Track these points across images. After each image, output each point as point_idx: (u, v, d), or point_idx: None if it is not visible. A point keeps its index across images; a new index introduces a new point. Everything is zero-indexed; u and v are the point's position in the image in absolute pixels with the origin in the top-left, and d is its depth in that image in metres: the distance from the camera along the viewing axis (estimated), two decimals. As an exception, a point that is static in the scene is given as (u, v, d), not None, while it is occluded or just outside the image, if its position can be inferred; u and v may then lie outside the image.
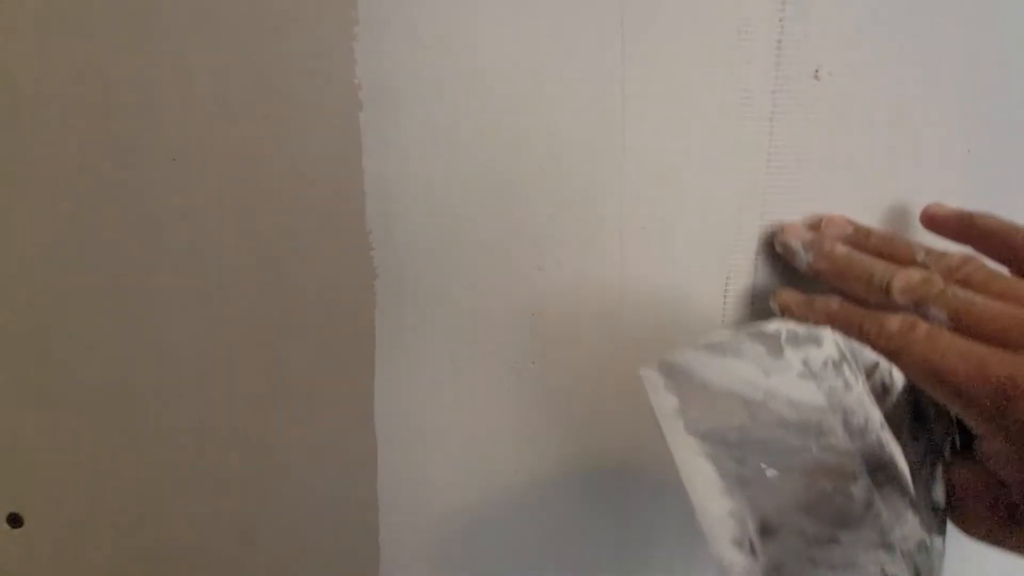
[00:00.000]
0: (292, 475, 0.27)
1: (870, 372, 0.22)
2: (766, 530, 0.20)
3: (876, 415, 0.21)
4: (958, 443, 0.23)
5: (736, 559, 0.20)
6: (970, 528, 0.22)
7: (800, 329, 0.22)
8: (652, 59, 0.25)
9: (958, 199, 0.28)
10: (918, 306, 0.22)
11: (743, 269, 0.28)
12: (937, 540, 0.22)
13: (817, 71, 0.27)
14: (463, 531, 0.28)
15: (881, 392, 0.22)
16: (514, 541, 0.29)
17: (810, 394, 0.21)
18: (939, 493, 0.22)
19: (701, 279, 0.28)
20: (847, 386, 0.21)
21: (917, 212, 0.28)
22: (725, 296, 0.28)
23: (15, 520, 0.26)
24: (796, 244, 0.26)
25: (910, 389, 0.22)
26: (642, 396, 0.21)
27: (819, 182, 0.27)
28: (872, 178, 0.28)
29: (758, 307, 0.28)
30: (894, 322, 0.21)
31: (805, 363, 0.21)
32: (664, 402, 0.21)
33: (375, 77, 0.24)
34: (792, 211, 0.28)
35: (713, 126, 0.26)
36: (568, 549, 0.29)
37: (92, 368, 0.25)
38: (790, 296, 0.26)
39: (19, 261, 0.24)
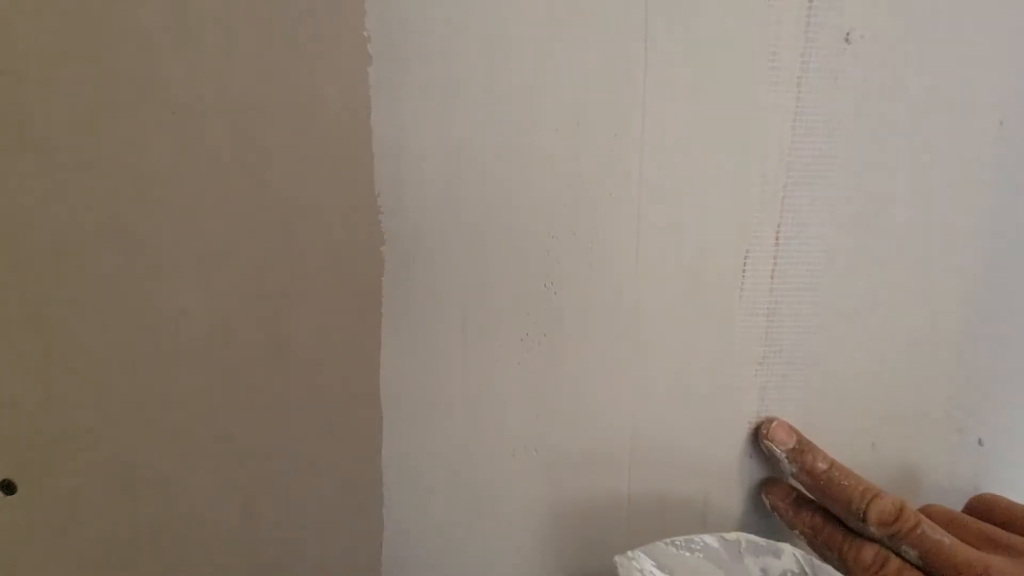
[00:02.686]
0: (295, 445, 0.26)
1: None
2: None
3: None
4: None
5: None
6: None
7: (760, 541, 0.25)
8: (677, 15, 0.24)
9: (988, 172, 0.27)
10: (891, 541, 0.24)
11: (764, 242, 0.27)
12: None
13: (848, 35, 0.25)
14: (469, 502, 0.28)
15: None
16: (522, 511, 0.28)
17: None
18: None
19: (719, 252, 0.27)
20: None
21: (946, 188, 0.27)
22: (744, 270, 0.27)
23: (8, 487, 0.25)
24: (780, 454, 0.27)
25: None
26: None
27: (846, 151, 0.26)
28: (901, 148, 0.27)
29: (778, 283, 0.27)
30: (868, 555, 0.24)
31: (763, 571, 0.24)
32: None
33: (386, 29, 0.23)
34: (817, 183, 0.27)
35: (738, 89, 0.25)
36: (578, 520, 0.29)
37: (89, 332, 0.24)
38: (780, 496, 0.27)
39: (13, 220, 0.23)
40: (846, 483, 0.25)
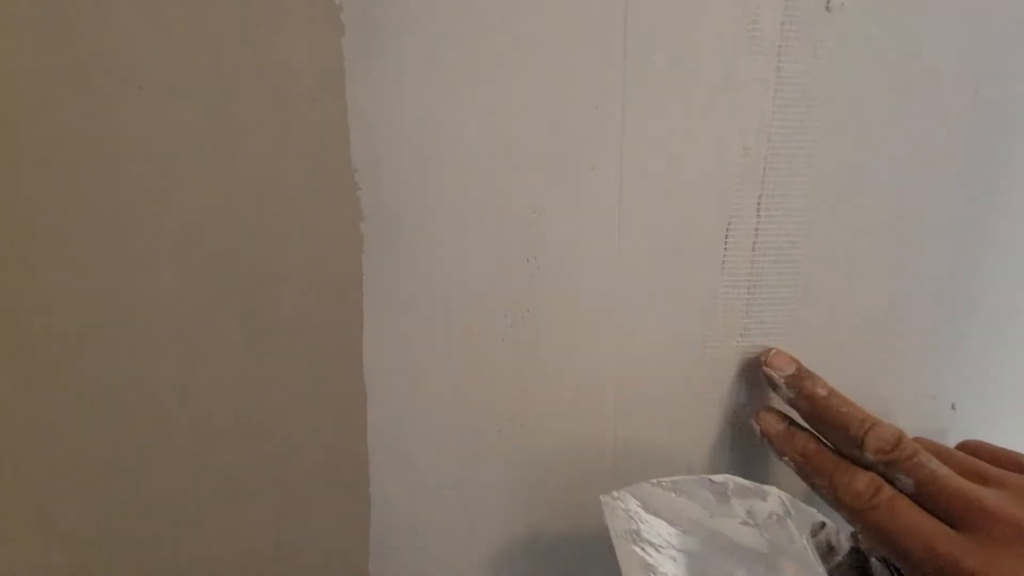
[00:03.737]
0: (278, 427, 0.26)
1: (815, 531, 0.24)
2: None
3: (820, 570, 0.23)
4: None
5: None
6: None
7: (747, 483, 0.24)
8: (657, -15, 0.24)
9: (964, 141, 0.28)
10: (887, 468, 0.24)
11: (746, 214, 0.27)
12: None
13: (829, 3, 0.25)
14: (455, 482, 0.28)
15: (826, 550, 0.24)
16: (508, 486, 0.28)
17: (752, 540, 0.23)
18: None
19: (701, 224, 0.27)
20: (790, 539, 0.23)
21: (923, 157, 0.27)
22: (726, 242, 0.27)
23: (-18, 476, 0.24)
24: (778, 379, 0.27)
25: (856, 551, 0.24)
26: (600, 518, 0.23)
27: (827, 122, 0.26)
28: (880, 117, 0.27)
29: (759, 255, 0.27)
30: (861, 482, 0.24)
31: (749, 513, 0.24)
32: (618, 524, 0.23)
33: (359, -1, 0.22)
34: (798, 155, 0.27)
35: (718, 59, 0.25)
36: (563, 494, 0.29)
37: (62, 318, 0.24)
38: (771, 422, 0.27)
39: (-30, 198, 0.22)
40: (844, 410, 0.25)
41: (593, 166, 0.25)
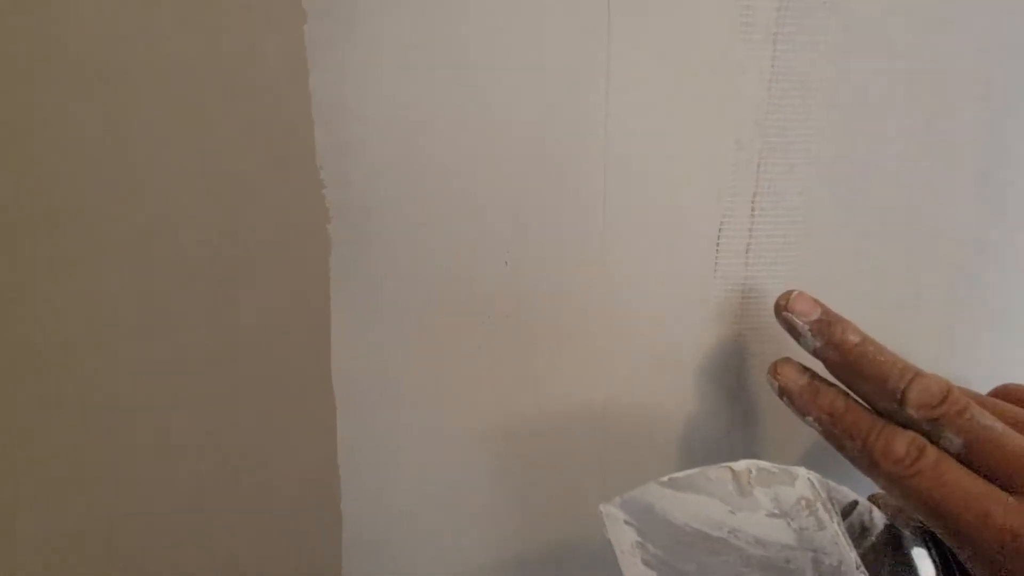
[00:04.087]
0: (244, 439, 0.25)
1: (847, 512, 0.21)
2: None
3: (851, 557, 0.20)
4: None
5: None
6: None
7: (771, 467, 0.21)
8: (643, -33, 0.22)
9: (976, 133, 0.26)
10: (932, 425, 0.20)
11: (739, 212, 0.25)
12: None
13: (829, -14, 0.23)
14: (435, 491, 0.26)
15: (859, 532, 0.21)
16: (490, 505, 0.27)
17: (779, 532, 0.20)
18: None
19: (692, 222, 0.25)
20: (820, 525, 0.20)
21: (933, 151, 0.26)
22: (718, 242, 0.25)
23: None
24: (801, 325, 0.22)
25: (890, 528, 0.22)
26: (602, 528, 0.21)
27: (827, 114, 0.25)
28: (886, 110, 0.25)
29: (754, 257, 0.26)
30: (901, 444, 0.20)
31: (775, 501, 0.21)
32: (623, 536, 0.20)
33: (322, -17, 0.21)
34: (795, 149, 0.25)
35: (708, 45, 0.23)
36: (550, 503, 0.27)
37: (22, 321, 0.22)
38: (792, 376, 0.23)
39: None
40: (882, 359, 0.21)
41: (576, 163, 0.24)
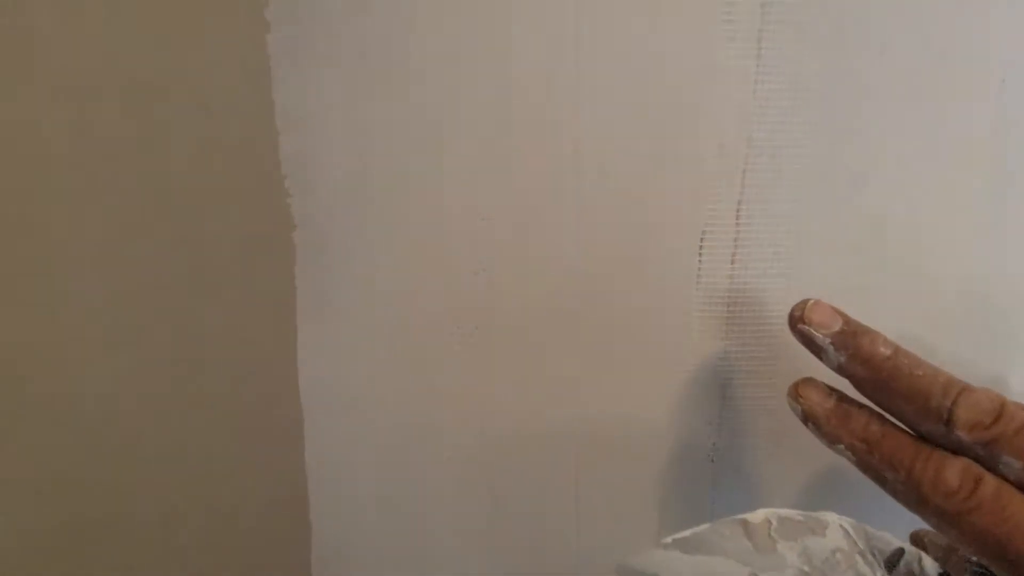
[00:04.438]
0: (213, 447, 0.25)
1: (892, 562, 0.18)
2: None
3: None
4: None
5: None
6: None
7: (795, 515, 0.18)
8: (614, -35, 0.21)
9: (987, 136, 0.24)
10: (987, 449, 0.17)
11: (723, 222, 0.24)
12: None
13: (818, -21, 0.22)
14: (403, 503, 0.26)
15: None
16: (456, 512, 0.26)
17: None
18: None
19: (672, 231, 0.24)
20: None
21: (939, 154, 0.24)
22: (700, 252, 0.24)
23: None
24: (823, 340, 0.20)
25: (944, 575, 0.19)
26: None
27: (818, 116, 0.23)
28: (885, 110, 0.23)
29: (740, 268, 0.24)
30: (953, 474, 0.17)
31: (804, 556, 0.18)
32: None
33: (284, -9, 0.21)
34: (784, 154, 0.23)
35: (688, 46, 0.22)
36: (522, 518, 0.27)
37: (8, 326, 0.23)
38: (816, 398, 0.20)
39: None
40: (920, 373, 0.18)
41: (547, 167, 0.23)
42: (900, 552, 0.19)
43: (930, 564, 0.19)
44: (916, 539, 0.20)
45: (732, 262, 0.24)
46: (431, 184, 0.23)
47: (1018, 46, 0.23)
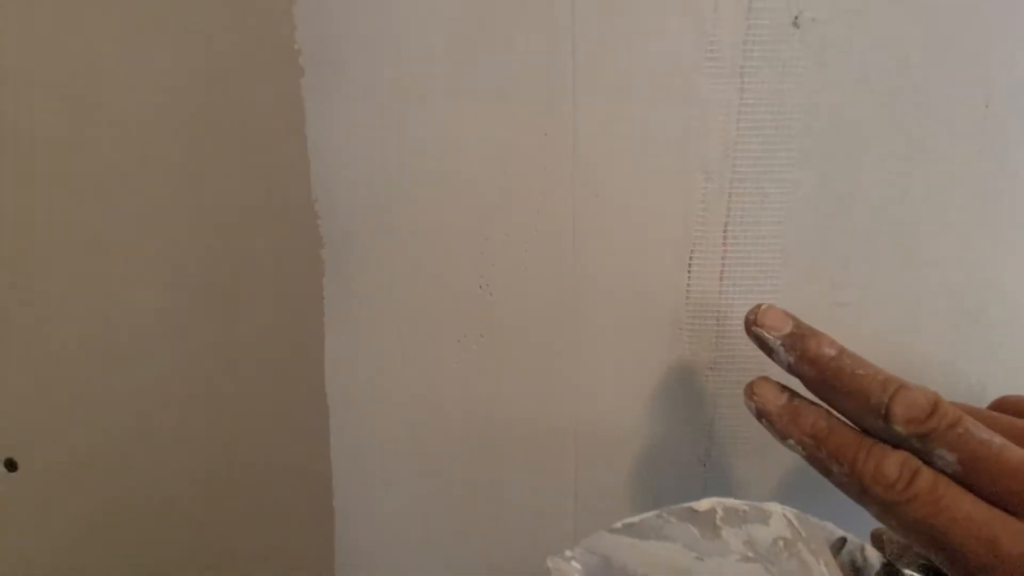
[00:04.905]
0: (248, 438, 0.28)
1: (836, 550, 0.19)
2: None
3: None
4: None
5: None
6: None
7: (740, 504, 0.19)
8: (606, 6, 0.23)
9: (973, 160, 0.25)
10: (922, 442, 0.18)
11: (710, 242, 0.26)
12: None
13: (797, 18, 0.24)
14: (415, 496, 0.29)
15: (851, 573, 0.19)
16: (467, 504, 0.29)
17: None
18: None
19: (661, 253, 0.26)
20: (805, 569, 0.18)
21: (924, 176, 0.25)
22: (689, 272, 0.26)
23: (11, 465, 0.28)
24: (773, 341, 0.21)
25: (888, 567, 0.20)
26: None
27: (801, 143, 0.25)
28: (868, 136, 0.25)
29: (728, 285, 0.26)
30: (892, 466, 0.18)
31: (748, 543, 0.18)
32: None
33: (316, 42, 0.24)
34: (766, 177, 0.25)
35: (673, 82, 0.24)
36: (524, 517, 0.29)
37: (63, 328, 0.27)
38: (769, 396, 0.21)
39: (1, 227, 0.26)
40: (861, 372, 0.19)
41: (544, 193, 0.25)
42: (843, 540, 0.20)
43: (873, 554, 0.20)
44: (876, 538, 0.21)
45: (720, 279, 0.26)
46: (440, 207, 0.26)
47: (1001, 70, 0.24)
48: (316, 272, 0.26)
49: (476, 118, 0.25)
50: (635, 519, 0.19)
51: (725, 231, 0.26)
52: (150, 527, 0.29)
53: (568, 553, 0.19)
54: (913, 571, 0.20)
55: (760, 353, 0.26)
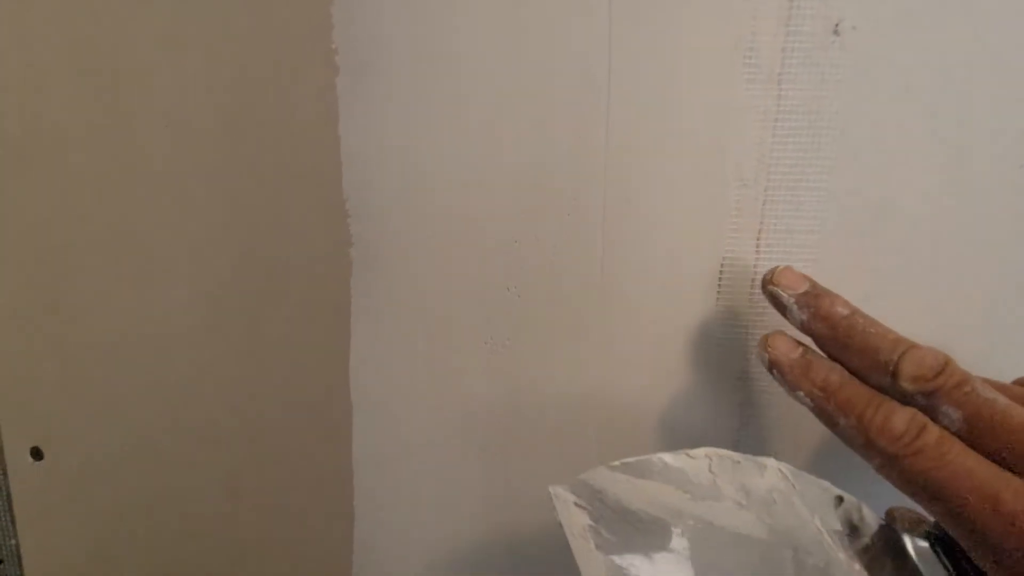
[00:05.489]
0: (273, 434, 0.28)
1: (834, 506, 0.20)
2: None
3: (839, 558, 0.18)
4: None
5: None
6: None
7: (735, 456, 0.19)
8: (643, 11, 0.23)
9: (1014, 175, 0.24)
10: (929, 399, 0.19)
11: (743, 252, 0.25)
12: None
13: (837, 25, 0.23)
14: (436, 494, 0.28)
15: (847, 532, 0.19)
16: (489, 507, 0.28)
17: (749, 526, 0.18)
18: None
19: (692, 259, 0.25)
20: (800, 522, 0.18)
21: (965, 186, 0.24)
22: (720, 282, 0.26)
23: (37, 453, 0.29)
24: (788, 298, 0.22)
25: (886, 529, 0.20)
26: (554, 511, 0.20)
27: (838, 152, 0.24)
28: (908, 147, 0.24)
29: (760, 293, 0.26)
30: (900, 420, 0.19)
31: (742, 491, 0.19)
32: (574, 519, 0.19)
33: (352, 42, 0.24)
34: (801, 185, 0.25)
35: (710, 87, 0.24)
36: (547, 521, 0.28)
37: (95, 323, 0.27)
38: (783, 349, 0.21)
39: (29, 223, 0.27)
40: (873, 331, 0.20)
41: (575, 198, 0.25)
42: (839, 499, 0.20)
43: (870, 515, 0.20)
44: (889, 516, 0.21)
45: (752, 287, 0.26)
46: (471, 210, 0.26)
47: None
48: (344, 271, 0.26)
49: (509, 121, 0.25)
50: (632, 459, 0.20)
51: (758, 239, 0.25)
52: (173, 519, 0.29)
53: (567, 484, 0.20)
54: (916, 537, 0.20)
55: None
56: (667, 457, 0.20)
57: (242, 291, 0.27)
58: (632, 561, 0.18)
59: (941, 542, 0.19)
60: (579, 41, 0.24)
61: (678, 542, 0.18)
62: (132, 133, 0.26)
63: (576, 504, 0.19)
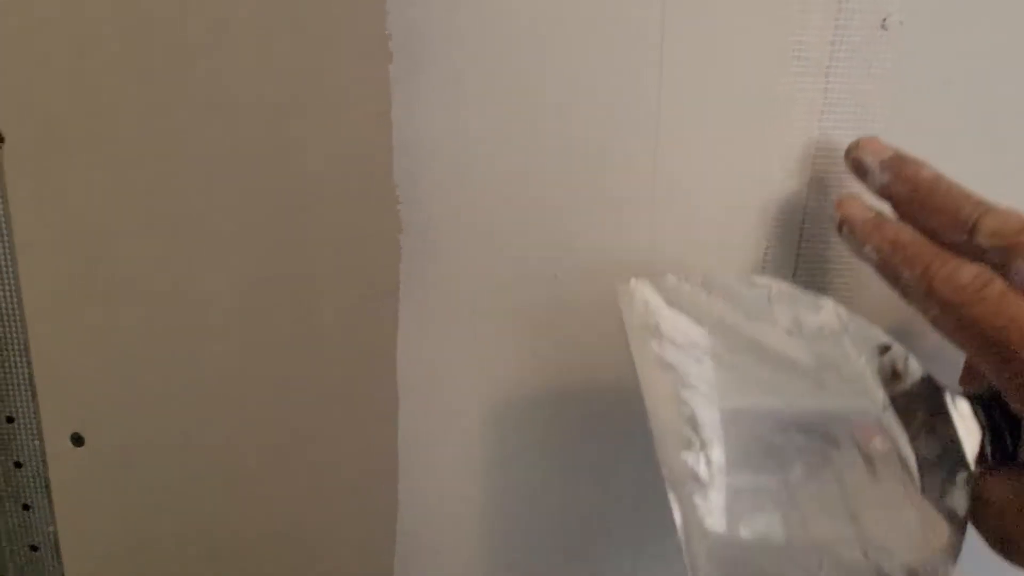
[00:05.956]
0: (319, 419, 0.28)
1: (879, 353, 0.20)
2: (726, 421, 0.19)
3: (879, 395, 0.19)
4: (989, 454, 0.19)
5: (680, 467, 0.19)
6: (1011, 553, 0.19)
7: (797, 290, 0.20)
8: (695, 2, 0.24)
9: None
10: (1003, 255, 0.19)
11: (785, 239, 0.26)
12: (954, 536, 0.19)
13: (885, 20, 0.24)
14: (481, 489, 0.29)
15: (889, 375, 0.20)
16: (531, 493, 0.29)
17: (797, 352, 0.19)
18: (957, 500, 0.19)
19: (737, 247, 0.26)
20: (845, 358, 0.19)
21: (1009, 186, 0.25)
22: (763, 267, 0.26)
23: (78, 439, 0.29)
24: (872, 161, 0.22)
25: (928, 381, 0.20)
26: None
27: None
28: (954, 140, 0.25)
29: (801, 281, 0.26)
30: (967, 272, 0.19)
31: (796, 323, 0.20)
32: (637, 316, 0.20)
33: (405, 28, 0.24)
34: (849, 179, 0.25)
35: (758, 77, 0.24)
36: (592, 515, 0.29)
37: (138, 309, 0.27)
38: (855, 208, 0.22)
39: (69, 211, 0.26)
40: (957, 191, 0.20)
41: (624, 189, 0.26)
42: (887, 346, 0.20)
43: (915, 365, 0.20)
44: None
45: (794, 276, 0.26)
46: (518, 199, 0.26)
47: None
48: (393, 257, 0.27)
49: (560, 111, 0.25)
50: (698, 274, 0.21)
51: (802, 229, 0.26)
52: (212, 508, 0.29)
53: (635, 281, 0.21)
54: (958, 395, 0.20)
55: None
56: (732, 278, 0.21)
57: (289, 277, 0.27)
58: (681, 360, 0.19)
59: (984, 405, 0.19)
60: (632, 34, 0.24)
61: (728, 354, 0.19)
62: (178, 115, 0.25)
63: (641, 302, 0.20)
